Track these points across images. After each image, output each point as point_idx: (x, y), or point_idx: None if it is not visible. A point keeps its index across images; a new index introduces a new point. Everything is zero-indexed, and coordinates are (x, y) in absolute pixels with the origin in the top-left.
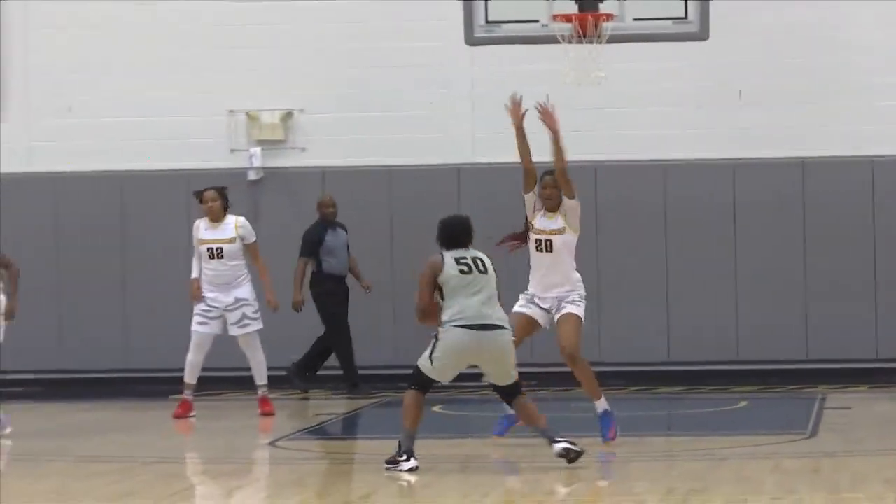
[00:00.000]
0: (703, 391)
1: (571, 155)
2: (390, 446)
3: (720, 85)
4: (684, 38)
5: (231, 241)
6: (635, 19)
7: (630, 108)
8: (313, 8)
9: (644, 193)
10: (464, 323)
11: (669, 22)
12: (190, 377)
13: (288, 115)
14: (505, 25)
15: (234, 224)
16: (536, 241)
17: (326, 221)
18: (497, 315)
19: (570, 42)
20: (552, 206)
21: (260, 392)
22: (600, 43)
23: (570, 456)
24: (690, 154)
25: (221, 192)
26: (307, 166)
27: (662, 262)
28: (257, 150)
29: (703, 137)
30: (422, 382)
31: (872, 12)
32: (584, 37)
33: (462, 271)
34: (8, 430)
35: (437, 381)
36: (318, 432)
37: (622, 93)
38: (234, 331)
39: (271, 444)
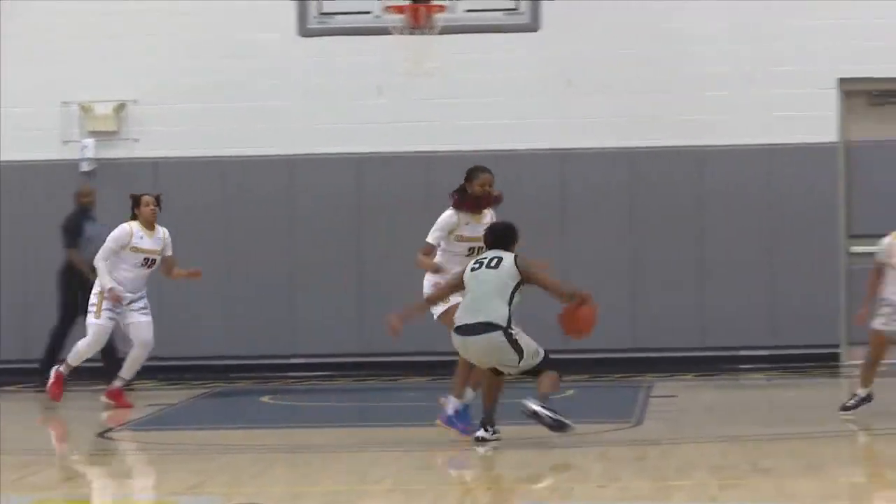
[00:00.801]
0: (533, 381)
1: (407, 146)
2: (220, 436)
3: (551, 75)
4: (515, 30)
5: (161, 251)
6: (467, 11)
7: (462, 99)
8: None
9: None
10: (455, 325)
11: (501, 13)
12: (76, 362)
13: (121, 107)
14: (338, 17)
15: (162, 236)
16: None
17: (84, 211)
18: (484, 313)
19: (402, 33)
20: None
21: (117, 383)
22: (432, 34)
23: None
24: (521, 144)
25: (158, 199)
26: (140, 157)
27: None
28: (90, 141)
29: (534, 127)
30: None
31: (703, 4)
32: (417, 28)
33: (472, 269)
34: None
35: None
36: (149, 423)
37: (455, 83)
38: (135, 317)
39: (100, 435)
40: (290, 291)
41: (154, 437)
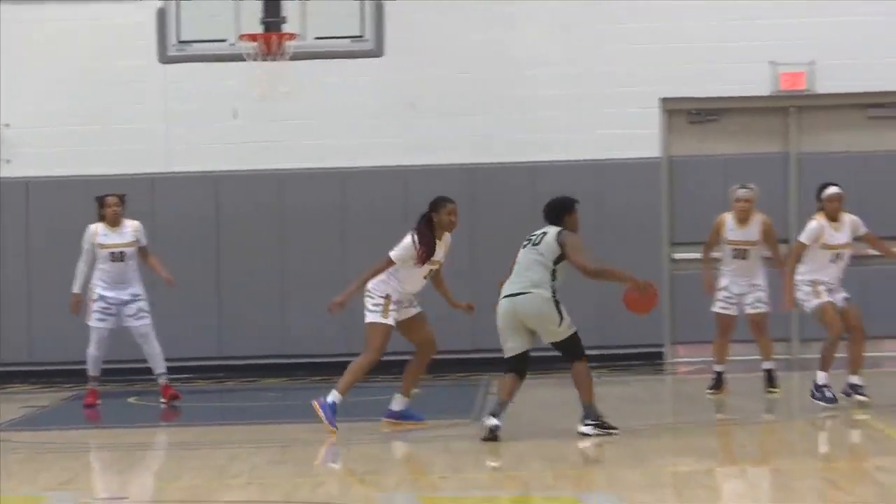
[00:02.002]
0: (379, 380)
1: (258, 164)
2: (89, 435)
3: (394, 98)
4: (361, 55)
5: (131, 244)
6: (316, 38)
7: (312, 120)
8: (21, 26)
9: (326, 199)
10: (503, 294)
11: (347, 40)
12: (94, 370)
13: None
14: (195, 45)
15: (131, 228)
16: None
17: None
18: (529, 280)
19: (255, 59)
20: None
21: (161, 380)
22: (284, 60)
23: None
24: (367, 162)
25: (122, 199)
26: (11, 177)
27: (340, 263)
28: None
29: (379, 146)
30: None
31: (536, 31)
32: (269, 55)
33: (523, 245)
34: None
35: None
36: (21, 423)
37: (306, 106)
38: (130, 322)
39: None
40: (153, 301)
41: (26, 436)
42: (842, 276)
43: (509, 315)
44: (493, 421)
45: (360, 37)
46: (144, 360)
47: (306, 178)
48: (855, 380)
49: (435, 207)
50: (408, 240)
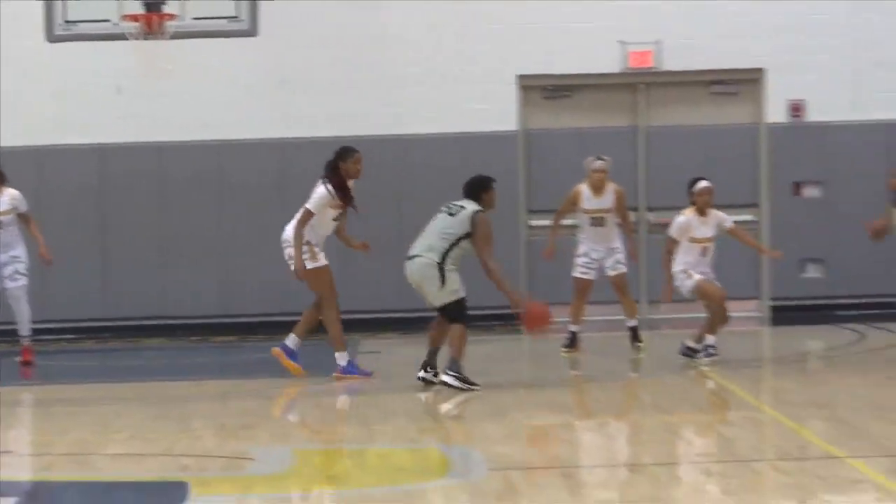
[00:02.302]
0: (254, 339)
1: (141, 137)
2: None
3: (269, 74)
4: (236, 35)
5: (8, 212)
6: (195, 18)
7: (191, 96)
8: None
9: (205, 169)
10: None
11: (224, 20)
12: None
13: None
14: (81, 24)
15: (9, 197)
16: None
17: None
18: (426, 246)
19: (138, 39)
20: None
21: (24, 342)
22: (164, 39)
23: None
24: (244, 135)
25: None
26: None
27: (218, 229)
28: None
29: (255, 120)
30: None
31: (402, 11)
32: (151, 34)
33: (440, 210)
34: None
35: None
36: None
37: (185, 82)
38: (6, 283)
39: None
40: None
41: None
42: (710, 270)
43: (408, 278)
44: (422, 373)
45: (236, 17)
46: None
47: (186, 150)
48: (710, 340)
49: (342, 156)
50: (321, 190)
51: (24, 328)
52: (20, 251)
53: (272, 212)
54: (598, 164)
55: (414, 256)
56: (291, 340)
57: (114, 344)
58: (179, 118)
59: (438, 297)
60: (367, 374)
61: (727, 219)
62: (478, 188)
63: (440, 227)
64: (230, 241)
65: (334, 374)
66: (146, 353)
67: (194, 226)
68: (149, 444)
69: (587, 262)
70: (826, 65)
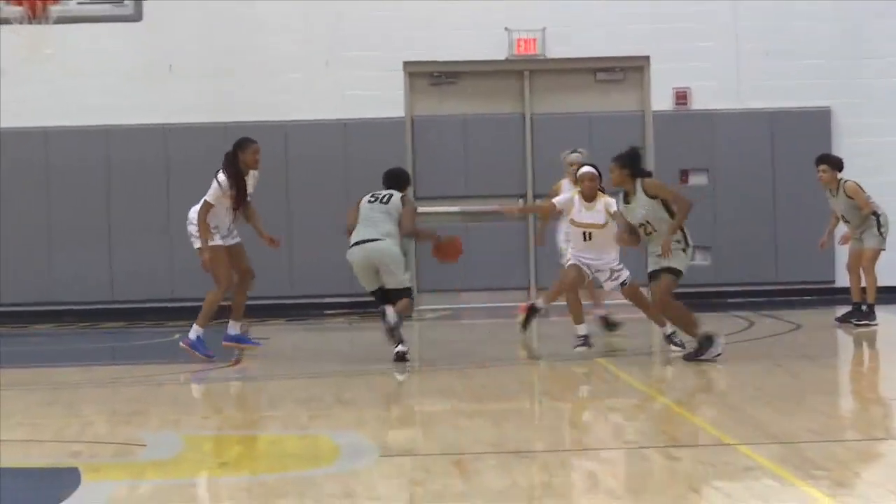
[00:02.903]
0: (141, 325)
1: (25, 121)
2: None
3: (153, 61)
4: (121, 20)
5: None
6: (79, 3)
7: (76, 81)
8: None
9: (90, 154)
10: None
11: (109, 6)
12: None
13: None
14: None
15: None
16: None
17: None
18: (382, 230)
19: (21, 23)
20: None
21: None
22: (48, 24)
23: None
24: (129, 120)
25: None
26: None
27: (104, 214)
28: None
29: (140, 106)
30: None
31: (273, 2)
32: (35, 18)
33: (369, 200)
34: None
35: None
36: None
37: (70, 67)
38: None
39: None
40: None
41: None
42: (605, 257)
43: (363, 260)
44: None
45: (120, 2)
46: None
47: (71, 135)
48: (668, 330)
49: (240, 146)
50: (215, 181)
51: None
52: None
53: (157, 198)
54: (573, 156)
55: (374, 240)
56: (232, 328)
57: (1, 329)
58: (64, 103)
59: (401, 280)
60: (210, 356)
61: (612, 203)
62: (402, 180)
63: (382, 214)
64: (116, 226)
65: (181, 343)
66: (34, 339)
67: (80, 211)
68: (38, 430)
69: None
70: (710, 53)
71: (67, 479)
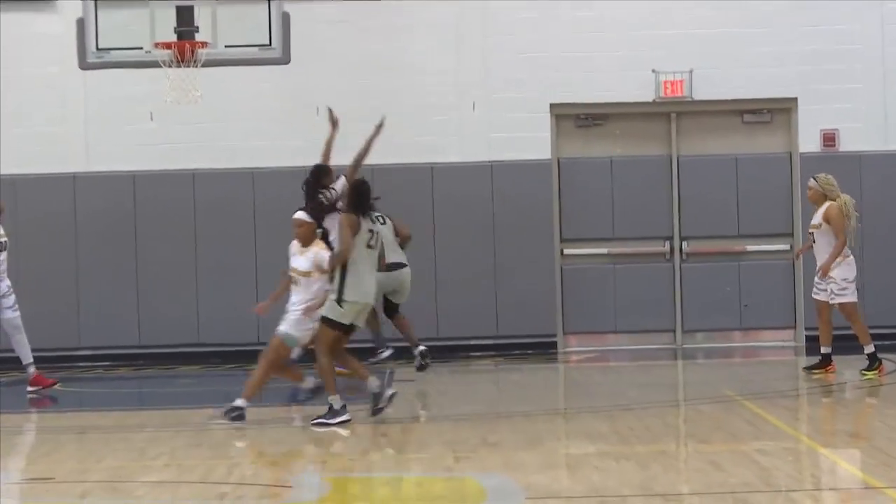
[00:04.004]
0: None
1: (173, 164)
2: (13, 420)
3: (300, 103)
4: (269, 62)
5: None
6: (227, 46)
7: (224, 123)
8: None
9: (236, 196)
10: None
11: (256, 48)
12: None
13: None
14: (113, 52)
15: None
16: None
17: None
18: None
19: (170, 66)
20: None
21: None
22: (196, 66)
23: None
24: (275, 163)
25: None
26: None
27: (250, 256)
28: None
29: (286, 148)
30: None
31: (432, 41)
32: (183, 61)
33: (382, 223)
34: None
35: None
36: None
37: (217, 109)
38: (7, 313)
39: None
40: (76, 291)
41: None
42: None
43: (404, 281)
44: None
45: (268, 45)
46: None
47: (217, 177)
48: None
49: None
50: None
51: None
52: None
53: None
54: (810, 182)
55: (405, 265)
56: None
57: (149, 371)
58: (210, 146)
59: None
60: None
61: (324, 261)
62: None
63: (392, 235)
64: (263, 267)
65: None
66: (181, 381)
67: (227, 250)
68: (185, 471)
69: (817, 283)
70: (858, 94)
71: None
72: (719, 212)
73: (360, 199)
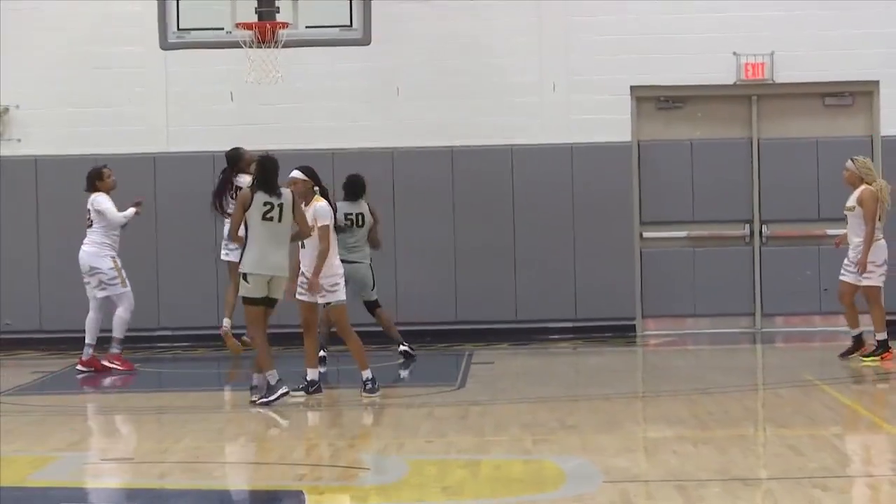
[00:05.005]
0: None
1: (253, 144)
2: (96, 399)
3: (381, 83)
4: (349, 43)
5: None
6: (307, 27)
7: (304, 104)
8: (29, 14)
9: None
10: None
11: (337, 29)
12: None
13: (5, 111)
14: (194, 32)
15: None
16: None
17: None
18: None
19: (251, 47)
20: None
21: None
22: (277, 47)
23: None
24: (356, 143)
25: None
26: (22, 155)
27: None
28: None
29: (367, 129)
30: None
31: (509, 23)
32: (264, 42)
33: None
34: None
35: None
36: (32, 388)
37: (297, 90)
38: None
39: None
40: (155, 272)
41: (37, 400)
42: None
43: (352, 277)
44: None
45: (349, 26)
46: (142, 329)
47: (297, 159)
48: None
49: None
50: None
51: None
52: None
53: (384, 220)
54: (847, 163)
55: (358, 262)
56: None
57: (226, 352)
58: (290, 126)
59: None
60: None
61: (322, 214)
62: (363, 187)
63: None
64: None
65: None
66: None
67: None
68: (264, 452)
69: (846, 265)
70: None
71: (292, 501)
72: (800, 195)
73: (264, 174)
